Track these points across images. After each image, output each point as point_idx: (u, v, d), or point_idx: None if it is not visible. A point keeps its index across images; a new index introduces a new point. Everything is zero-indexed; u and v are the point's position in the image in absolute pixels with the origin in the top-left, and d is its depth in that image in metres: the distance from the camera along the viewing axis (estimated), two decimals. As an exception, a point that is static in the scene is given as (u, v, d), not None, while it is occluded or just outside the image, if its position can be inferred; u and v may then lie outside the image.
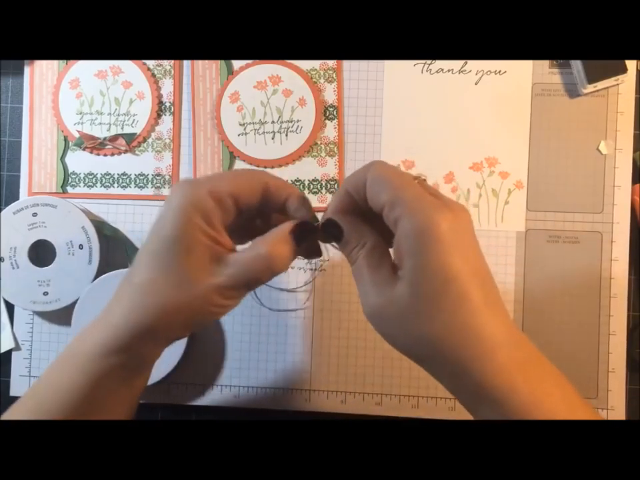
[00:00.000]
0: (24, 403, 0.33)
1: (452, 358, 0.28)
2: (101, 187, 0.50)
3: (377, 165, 0.30)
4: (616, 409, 0.47)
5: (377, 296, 0.30)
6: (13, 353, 0.50)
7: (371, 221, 0.32)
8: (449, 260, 0.27)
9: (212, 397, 0.49)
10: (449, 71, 0.49)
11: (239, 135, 0.50)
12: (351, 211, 0.32)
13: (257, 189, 0.32)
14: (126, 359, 0.32)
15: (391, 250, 0.32)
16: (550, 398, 0.28)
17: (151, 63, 0.50)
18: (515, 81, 0.49)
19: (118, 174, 0.50)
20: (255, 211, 0.34)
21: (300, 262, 0.49)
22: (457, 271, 0.28)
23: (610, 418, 0.47)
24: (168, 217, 0.31)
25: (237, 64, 0.50)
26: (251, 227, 0.35)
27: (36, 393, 0.33)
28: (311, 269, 0.49)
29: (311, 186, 0.49)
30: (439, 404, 0.48)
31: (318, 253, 0.36)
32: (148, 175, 0.50)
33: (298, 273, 0.49)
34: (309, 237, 0.32)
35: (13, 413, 0.33)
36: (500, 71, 0.49)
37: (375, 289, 0.30)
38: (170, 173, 0.50)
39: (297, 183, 0.49)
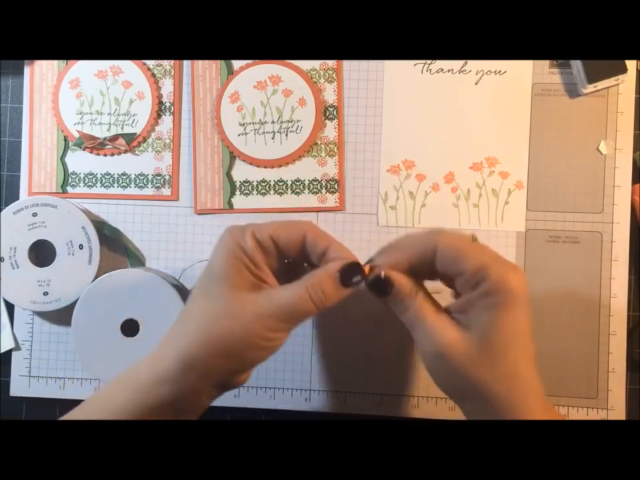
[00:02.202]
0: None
1: (498, 400, 0.32)
2: (101, 187, 0.50)
3: (446, 235, 0.34)
4: (616, 409, 0.47)
5: (445, 337, 0.33)
6: (13, 353, 0.50)
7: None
8: (520, 316, 0.32)
9: (212, 397, 0.49)
10: (449, 71, 0.49)
11: (239, 135, 0.50)
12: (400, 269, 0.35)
13: (296, 235, 0.35)
14: (174, 393, 0.32)
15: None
16: None
17: (150, 62, 0.50)
18: (515, 80, 0.49)
19: (118, 174, 0.50)
20: (299, 257, 0.35)
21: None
22: (524, 326, 0.32)
23: (610, 418, 0.47)
24: (216, 255, 0.34)
25: (237, 64, 0.50)
26: (301, 272, 0.36)
27: (86, 415, 0.33)
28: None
29: (311, 186, 0.49)
30: (439, 404, 0.48)
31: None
32: (148, 174, 0.50)
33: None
34: (356, 278, 0.34)
35: None
36: (500, 71, 0.49)
37: (442, 330, 0.33)
38: (170, 173, 0.50)
39: (297, 183, 0.49)
